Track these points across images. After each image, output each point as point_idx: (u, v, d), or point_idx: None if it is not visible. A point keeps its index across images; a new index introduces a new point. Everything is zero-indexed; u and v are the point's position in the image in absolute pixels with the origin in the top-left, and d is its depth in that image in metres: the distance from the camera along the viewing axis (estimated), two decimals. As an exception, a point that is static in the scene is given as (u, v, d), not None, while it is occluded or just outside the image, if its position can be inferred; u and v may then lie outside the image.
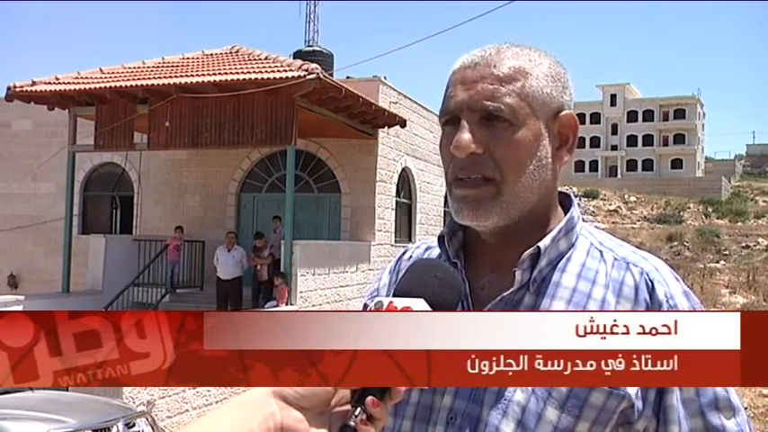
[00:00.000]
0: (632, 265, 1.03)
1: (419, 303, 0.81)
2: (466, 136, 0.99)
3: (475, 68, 1.02)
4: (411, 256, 1.23)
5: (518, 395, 0.96)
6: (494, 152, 1.00)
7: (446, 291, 0.87)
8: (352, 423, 0.75)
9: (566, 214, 1.10)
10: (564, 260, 1.05)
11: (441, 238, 1.12)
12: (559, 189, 1.14)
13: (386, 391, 0.77)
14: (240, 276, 12.68)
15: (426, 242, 1.24)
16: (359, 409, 0.76)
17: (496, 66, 1.02)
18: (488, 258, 1.08)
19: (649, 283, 1.00)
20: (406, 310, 0.80)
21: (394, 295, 0.86)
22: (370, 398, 0.75)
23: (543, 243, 1.03)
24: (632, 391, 0.95)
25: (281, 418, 0.75)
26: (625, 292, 1.01)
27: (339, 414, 0.78)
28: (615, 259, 1.05)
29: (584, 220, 1.13)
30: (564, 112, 1.06)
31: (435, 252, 1.19)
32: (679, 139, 67.84)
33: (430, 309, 0.82)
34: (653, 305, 0.99)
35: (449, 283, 0.88)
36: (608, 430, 0.95)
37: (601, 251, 1.06)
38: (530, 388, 0.96)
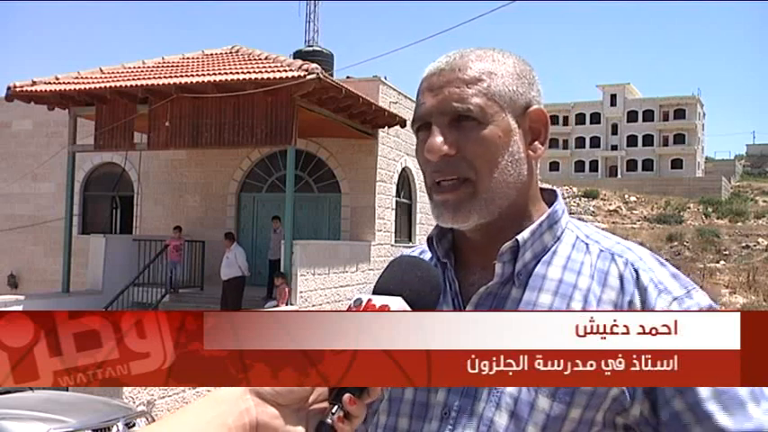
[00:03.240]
0: (617, 256, 1.05)
1: (397, 302, 0.81)
2: (437, 139, 1.02)
3: (441, 74, 1.05)
4: None
5: (510, 387, 0.97)
6: (465, 152, 1.02)
7: (426, 290, 0.87)
8: (329, 420, 0.75)
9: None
10: (550, 253, 1.07)
11: (429, 240, 1.15)
12: (545, 186, 1.16)
13: (363, 389, 0.77)
14: (239, 276, 12.67)
15: (422, 246, 1.25)
16: (336, 406, 0.76)
17: (461, 69, 1.04)
18: (477, 257, 1.10)
19: (634, 273, 1.02)
20: (384, 308, 0.79)
21: (373, 293, 0.85)
22: (347, 395, 0.76)
23: (522, 236, 1.05)
24: None
25: (256, 414, 0.76)
26: (610, 281, 1.02)
27: (316, 411, 0.78)
28: (600, 251, 1.06)
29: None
30: (533, 108, 1.08)
31: (429, 255, 1.20)
32: (679, 139, 67.84)
33: (409, 308, 0.82)
34: (640, 292, 1.00)
35: (429, 283, 0.88)
36: (600, 415, 0.95)
37: (587, 244, 1.08)
38: None
